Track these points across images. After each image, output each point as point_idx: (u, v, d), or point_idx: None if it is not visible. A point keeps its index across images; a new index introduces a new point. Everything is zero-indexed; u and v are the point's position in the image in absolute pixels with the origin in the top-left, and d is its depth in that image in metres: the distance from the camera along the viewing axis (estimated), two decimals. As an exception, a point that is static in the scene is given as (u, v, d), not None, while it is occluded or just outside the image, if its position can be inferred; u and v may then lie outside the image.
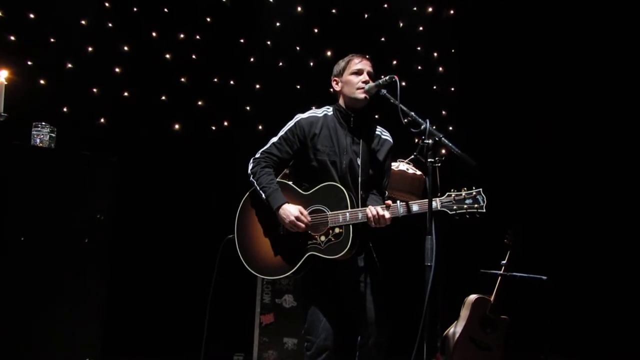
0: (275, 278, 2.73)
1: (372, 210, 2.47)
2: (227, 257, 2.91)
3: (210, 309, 3.31)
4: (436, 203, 2.40)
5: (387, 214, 2.46)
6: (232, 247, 2.77)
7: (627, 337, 4.81)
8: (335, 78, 2.79)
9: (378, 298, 2.63)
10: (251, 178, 2.70)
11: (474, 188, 2.40)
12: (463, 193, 2.40)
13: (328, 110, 2.78)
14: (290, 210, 2.57)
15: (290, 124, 2.74)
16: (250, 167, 2.73)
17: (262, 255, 2.68)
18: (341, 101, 2.77)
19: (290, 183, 2.73)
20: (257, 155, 2.74)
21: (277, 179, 2.71)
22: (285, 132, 2.73)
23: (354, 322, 2.65)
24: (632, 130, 5.05)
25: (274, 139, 2.75)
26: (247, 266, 2.71)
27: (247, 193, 2.77)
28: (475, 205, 2.37)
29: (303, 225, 2.56)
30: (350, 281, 2.66)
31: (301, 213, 2.57)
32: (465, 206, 2.39)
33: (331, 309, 2.65)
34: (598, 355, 4.75)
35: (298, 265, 2.60)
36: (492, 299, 3.89)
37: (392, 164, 3.13)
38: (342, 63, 2.78)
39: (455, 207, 2.40)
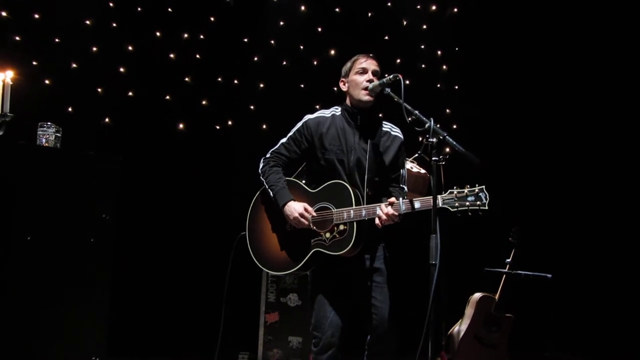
0: (282, 273, 2.77)
1: (385, 209, 2.48)
2: (238, 255, 2.94)
3: (225, 306, 3.34)
4: (438, 200, 2.38)
5: (390, 211, 2.47)
6: (243, 244, 2.82)
7: (631, 334, 4.81)
8: (343, 79, 2.83)
9: (387, 297, 2.64)
10: (261, 177, 2.77)
11: (477, 185, 2.38)
12: (465, 190, 2.38)
13: (336, 110, 2.81)
14: (295, 207, 2.62)
15: (299, 124, 2.80)
16: (260, 166, 2.80)
17: (271, 251, 2.75)
18: (348, 101, 2.80)
19: (301, 182, 2.78)
20: (267, 155, 2.81)
21: (290, 178, 2.76)
22: (294, 133, 2.79)
23: (363, 320, 2.67)
24: (635, 128, 5.04)
25: (283, 140, 2.81)
26: (256, 262, 2.77)
27: (259, 192, 2.83)
28: (478, 203, 2.34)
29: (306, 222, 2.60)
30: (359, 279, 2.67)
31: (306, 210, 2.63)
32: (467, 203, 2.36)
33: (339, 305, 2.66)
34: (602, 352, 4.75)
35: (304, 262, 2.63)
36: (496, 297, 3.89)
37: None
38: (348, 63, 2.81)
39: (457, 204, 2.37)
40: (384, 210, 2.47)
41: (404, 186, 2.80)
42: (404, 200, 2.48)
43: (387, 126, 2.81)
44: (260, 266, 2.77)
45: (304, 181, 2.79)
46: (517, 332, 3.96)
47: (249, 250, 2.79)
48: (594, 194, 5.18)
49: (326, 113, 2.79)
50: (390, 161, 2.75)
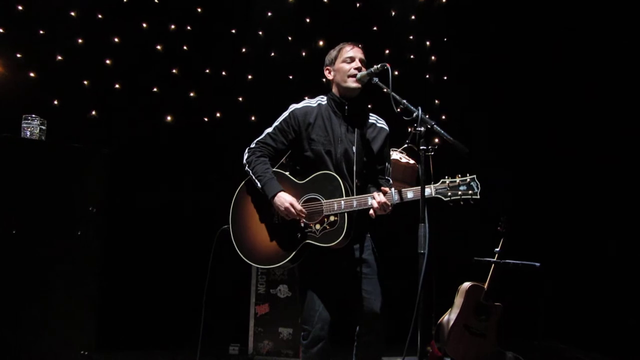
0: (271, 267, 2.73)
1: (378, 197, 2.47)
2: (222, 248, 2.92)
3: (205, 300, 3.32)
4: (430, 190, 2.40)
5: (383, 199, 2.46)
6: (227, 237, 2.77)
7: (619, 322, 4.86)
8: (328, 67, 2.79)
9: (376, 288, 2.63)
10: (246, 167, 2.71)
11: (468, 175, 2.40)
12: (457, 180, 2.40)
13: (322, 99, 2.78)
14: (286, 198, 2.59)
15: (285, 114, 2.75)
16: (245, 156, 2.74)
17: (258, 244, 2.70)
18: (334, 90, 2.77)
19: (287, 173, 2.73)
20: (252, 145, 2.75)
21: (273, 169, 2.72)
22: (280, 123, 2.74)
23: (352, 311, 2.66)
24: (622, 122, 5.07)
25: (269, 130, 2.75)
26: (242, 256, 2.72)
27: (242, 183, 2.77)
28: (470, 192, 2.37)
29: (297, 213, 2.57)
30: (348, 271, 2.67)
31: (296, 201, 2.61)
32: (459, 192, 2.39)
33: (328, 298, 2.65)
34: (591, 340, 4.79)
35: (294, 254, 2.61)
36: (485, 286, 3.92)
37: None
38: (333, 52, 2.78)
39: (449, 193, 2.40)
40: (377, 199, 2.46)
41: (389, 178, 2.80)
42: (395, 190, 2.47)
43: (372, 118, 2.80)
44: (246, 259, 2.71)
45: (288, 172, 2.75)
46: (506, 320, 3.99)
47: (232, 244, 2.73)
48: (581, 184, 5.21)
49: (312, 103, 2.76)
50: (377, 152, 2.74)
